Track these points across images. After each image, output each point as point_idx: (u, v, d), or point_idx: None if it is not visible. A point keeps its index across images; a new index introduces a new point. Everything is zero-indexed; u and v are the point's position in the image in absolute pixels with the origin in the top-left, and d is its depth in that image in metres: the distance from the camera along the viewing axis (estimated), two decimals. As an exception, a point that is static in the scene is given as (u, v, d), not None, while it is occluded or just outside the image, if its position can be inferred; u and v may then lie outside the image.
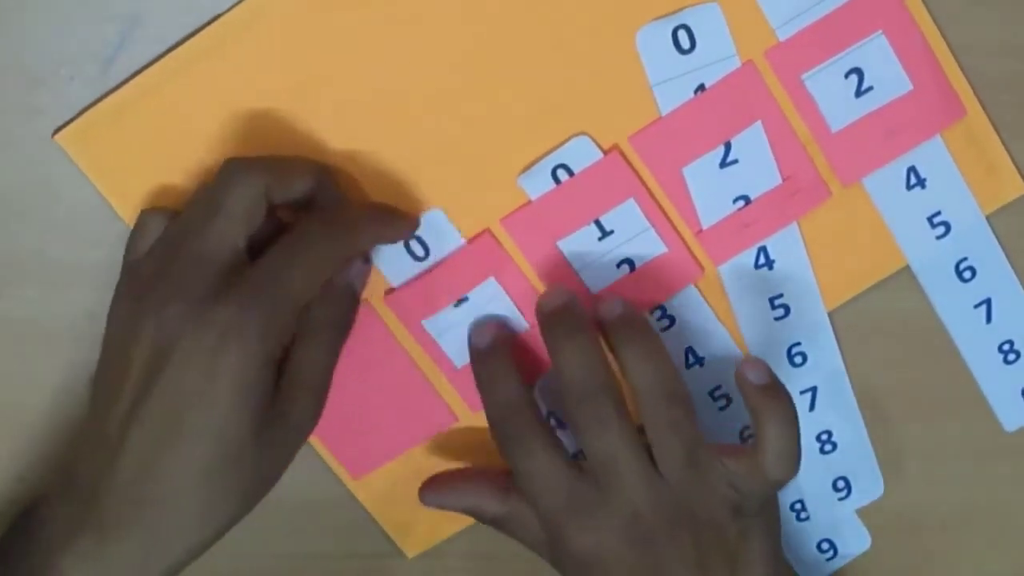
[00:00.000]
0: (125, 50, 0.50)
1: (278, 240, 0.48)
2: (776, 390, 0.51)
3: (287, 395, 0.48)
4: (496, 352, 0.53)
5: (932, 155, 0.54)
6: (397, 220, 0.51)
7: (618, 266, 0.54)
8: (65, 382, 0.54)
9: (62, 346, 0.53)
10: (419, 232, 0.53)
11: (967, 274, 0.56)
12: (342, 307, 0.51)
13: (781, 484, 0.51)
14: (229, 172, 0.48)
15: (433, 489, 0.55)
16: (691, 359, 0.56)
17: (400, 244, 0.53)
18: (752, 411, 0.51)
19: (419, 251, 0.53)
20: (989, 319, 0.56)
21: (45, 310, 0.53)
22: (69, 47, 0.50)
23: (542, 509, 0.52)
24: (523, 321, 0.54)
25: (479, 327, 0.54)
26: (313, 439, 0.55)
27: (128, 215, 0.52)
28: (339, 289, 0.51)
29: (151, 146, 0.51)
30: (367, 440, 0.56)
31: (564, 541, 0.51)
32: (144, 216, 0.50)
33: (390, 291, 0.54)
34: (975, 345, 0.57)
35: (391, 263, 0.53)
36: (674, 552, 0.51)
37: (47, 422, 0.54)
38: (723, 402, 0.57)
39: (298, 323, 0.48)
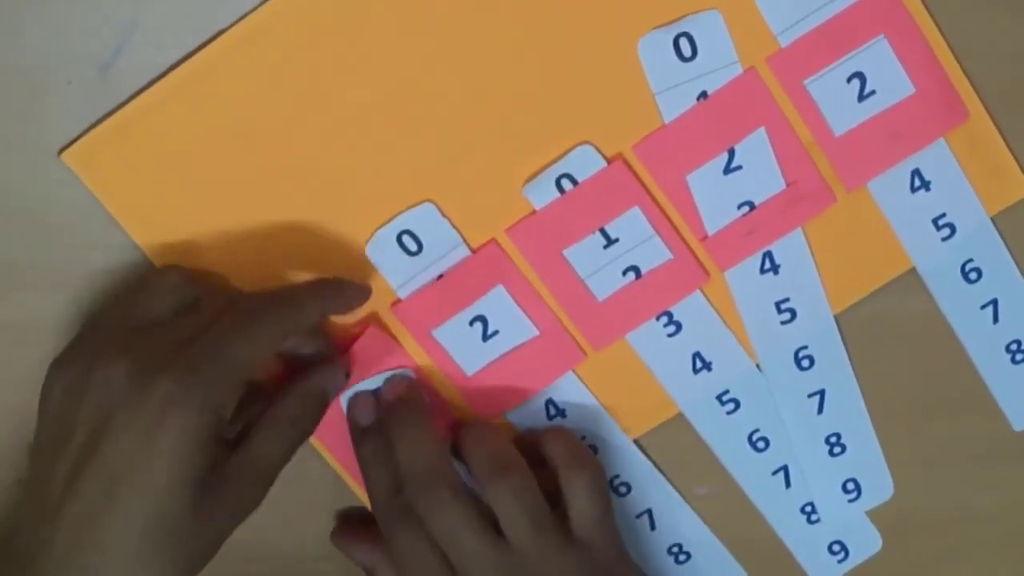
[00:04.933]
0: (123, 55, 0.50)
1: (224, 313, 0.48)
2: (580, 460, 0.53)
3: (235, 476, 0.47)
4: (374, 432, 0.54)
5: (936, 158, 0.54)
6: (345, 290, 0.52)
7: (624, 274, 0.54)
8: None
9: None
10: (409, 227, 0.53)
11: (973, 275, 0.56)
12: (308, 407, 0.51)
13: (592, 485, 0.53)
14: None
15: (343, 538, 0.57)
16: (698, 364, 0.56)
17: (393, 241, 0.53)
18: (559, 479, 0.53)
19: (412, 246, 0.53)
20: (996, 319, 0.56)
21: (44, 315, 0.53)
22: (67, 52, 0.50)
23: None
24: (533, 328, 0.54)
25: (359, 403, 0.55)
26: (322, 450, 0.56)
27: (135, 231, 0.52)
28: (312, 389, 0.51)
29: (157, 163, 0.51)
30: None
31: None
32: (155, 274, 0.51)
33: (397, 302, 0.54)
34: (982, 345, 0.57)
35: (389, 265, 0.53)
36: None
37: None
38: (731, 406, 0.57)
39: (261, 410, 0.49)
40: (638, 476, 0.57)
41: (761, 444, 0.58)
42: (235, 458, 0.48)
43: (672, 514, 0.58)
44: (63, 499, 0.45)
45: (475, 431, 0.54)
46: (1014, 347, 0.57)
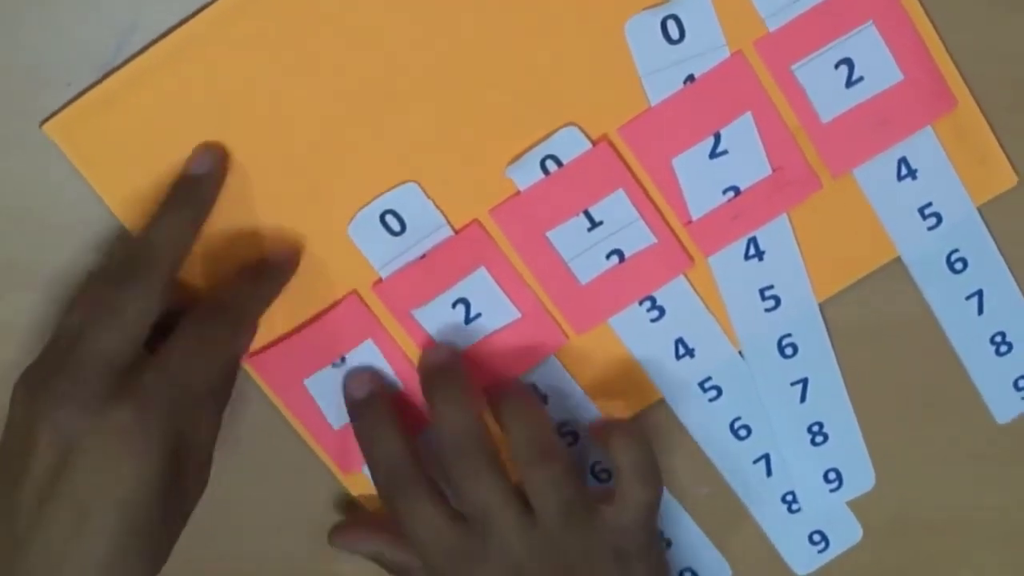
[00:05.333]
0: (123, 57, 0.50)
1: (175, 335, 0.49)
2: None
3: (182, 472, 0.49)
4: (375, 405, 0.54)
5: (923, 146, 0.53)
6: (274, 272, 0.52)
7: (607, 257, 0.54)
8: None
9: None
10: (392, 207, 0.53)
11: (958, 265, 0.55)
12: (224, 377, 0.52)
13: (651, 503, 0.52)
14: (129, 268, 0.49)
15: (341, 535, 0.57)
16: (681, 350, 0.56)
17: (376, 221, 0.53)
18: (602, 445, 0.53)
19: (395, 226, 0.53)
20: (981, 311, 0.56)
21: (44, 315, 0.53)
22: (67, 54, 0.50)
23: (428, 560, 0.52)
24: (515, 311, 0.54)
25: (355, 378, 0.55)
26: (304, 433, 0.56)
27: (117, 205, 0.52)
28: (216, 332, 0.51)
29: (140, 135, 0.51)
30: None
31: None
32: None
33: (378, 282, 0.54)
34: (967, 337, 0.57)
35: (371, 245, 0.53)
36: None
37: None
38: (713, 393, 0.57)
39: None
40: None
41: (743, 432, 0.57)
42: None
43: None
44: (32, 527, 0.47)
45: (515, 404, 0.53)
46: (998, 339, 0.57)
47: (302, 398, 0.55)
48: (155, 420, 0.47)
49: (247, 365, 0.54)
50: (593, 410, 0.56)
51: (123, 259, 0.49)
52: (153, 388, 0.47)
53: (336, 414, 0.56)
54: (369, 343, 0.55)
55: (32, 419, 0.47)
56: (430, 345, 0.55)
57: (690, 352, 0.56)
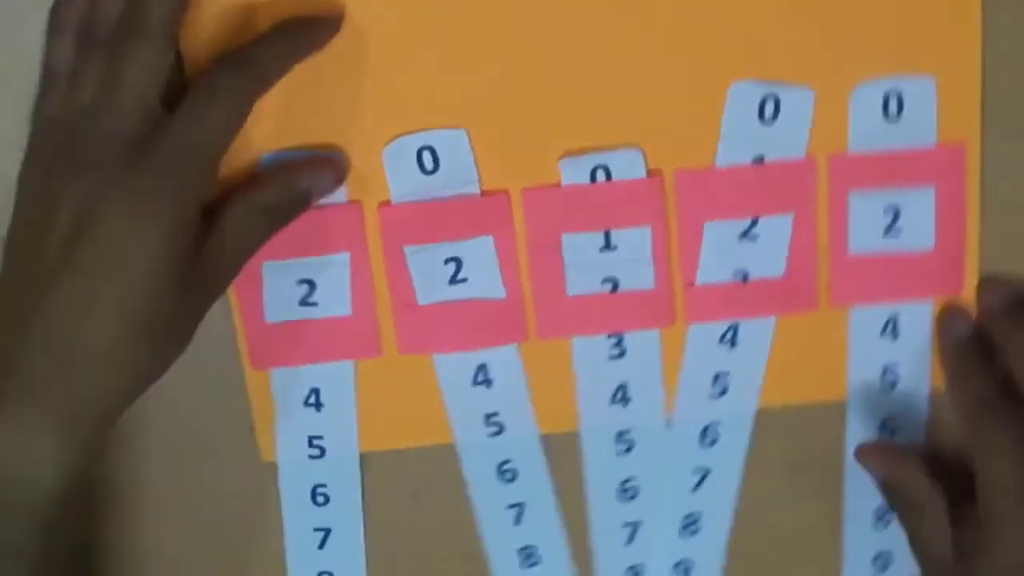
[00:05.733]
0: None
1: (187, 96, 0.47)
2: None
3: (210, 258, 0.48)
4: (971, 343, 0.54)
5: (917, 315, 0.56)
6: (309, 33, 0.50)
7: (602, 282, 0.54)
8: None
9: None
10: (433, 145, 0.52)
11: (885, 434, 0.58)
12: (285, 199, 0.51)
13: None
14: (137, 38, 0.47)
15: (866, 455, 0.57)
16: (618, 396, 0.57)
17: (412, 153, 0.52)
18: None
19: (429, 164, 0.52)
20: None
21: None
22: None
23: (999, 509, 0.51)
24: (501, 290, 0.54)
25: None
26: (235, 312, 0.54)
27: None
28: (294, 182, 0.51)
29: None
30: (283, 335, 0.55)
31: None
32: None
33: (386, 203, 0.53)
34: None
35: (399, 174, 0.53)
36: None
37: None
38: (623, 447, 0.57)
39: (239, 191, 0.49)
40: (528, 469, 0.57)
41: (631, 491, 0.58)
42: (209, 242, 0.48)
43: (540, 515, 0.58)
44: (42, 295, 0.45)
45: None
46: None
47: (252, 278, 0.54)
48: (171, 186, 0.45)
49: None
50: (529, 412, 0.56)
51: (120, 23, 0.47)
52: (168, 152, 0.46)
53: (274, 309, 0.54)
54: (344, 256, 0.54)
55: (48, 195, 0.46)
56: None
57: (625, 401, 0.57)
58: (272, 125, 0.52)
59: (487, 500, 0.58)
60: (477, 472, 0.57)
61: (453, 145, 0.52)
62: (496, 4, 0.51)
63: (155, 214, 0.45)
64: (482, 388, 0.56)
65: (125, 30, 0.47)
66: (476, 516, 0.58)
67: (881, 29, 0.52)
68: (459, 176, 0.53)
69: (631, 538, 0.59)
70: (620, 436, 0.57)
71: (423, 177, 0.53)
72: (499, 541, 0.58)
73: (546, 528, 0.58)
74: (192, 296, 0.47)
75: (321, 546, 0.58)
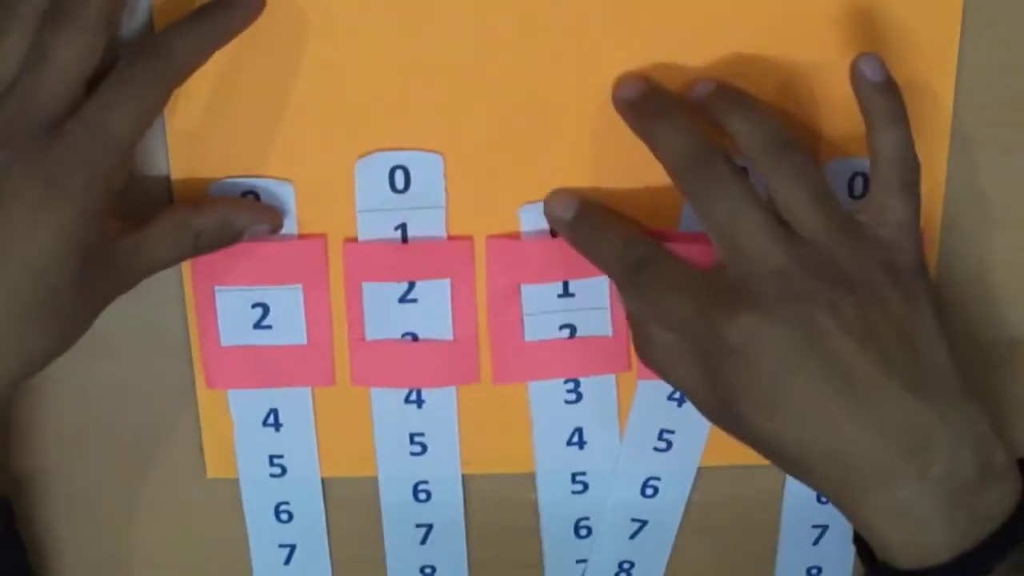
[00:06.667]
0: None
1: (101, 84, 0.47)
2: (890, 88, 0.47)
3: (121, 256, 0.48)
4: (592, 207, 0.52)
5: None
6: (225, 20, 0.49)
7: (560, 328, 0.54)
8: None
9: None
10: (409, 166, 0.52)
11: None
12: (218, 230, 0.51)
13: (913, 219, 0.47)
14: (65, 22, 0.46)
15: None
16: (575, 439, 0.57)
17: (384, 174, 0.52)
18: (864, 112, 0.48)
19: (400, 184, 0.52)
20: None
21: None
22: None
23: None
24: (450, 334, 0.54)
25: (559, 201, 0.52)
26: (192, 331, 0.54)
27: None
28: (231, 220, 0.51)
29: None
30: (240, 357, 0.55)
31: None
32: None
33: (351, 241, 0.53)
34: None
35: (368, 187, 0.53)
36: (833, 322, 0.45)
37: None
38: (580, 487, 0.58)
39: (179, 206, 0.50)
40: (444, 492, 0.58)
41: (584, 532, 0.58)
42: (128, 240, 0.48)
43: (448, 536, 0.58)
44: None
45: (736, 101, 0.49)
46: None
47: (207, 300, 0.54)
48: (79, 169, 0.45)
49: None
50: (454, 450, 0.57)
51: (55, 5, 0.46)
52: (79, 136, 0.45)
53: (229, 333, 0.54)
54: (297, 288, 0.54)
55: None
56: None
57: (582, 443, 0.57)
58: (231, 146, 0.52)
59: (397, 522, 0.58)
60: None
61: (428, 168, 0.52)
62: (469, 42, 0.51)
63: (59, 206, 0.45)
64: (413, 407, 0.56)
65: (61, 8, 0.46)
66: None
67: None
68: (428, 201, 0.53)
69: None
70: (574, 477, 0.57)
71: (390, 195, 0.53)
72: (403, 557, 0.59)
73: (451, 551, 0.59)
74: (92, 287, 0.47)
75: (287, 562, 0.59)
